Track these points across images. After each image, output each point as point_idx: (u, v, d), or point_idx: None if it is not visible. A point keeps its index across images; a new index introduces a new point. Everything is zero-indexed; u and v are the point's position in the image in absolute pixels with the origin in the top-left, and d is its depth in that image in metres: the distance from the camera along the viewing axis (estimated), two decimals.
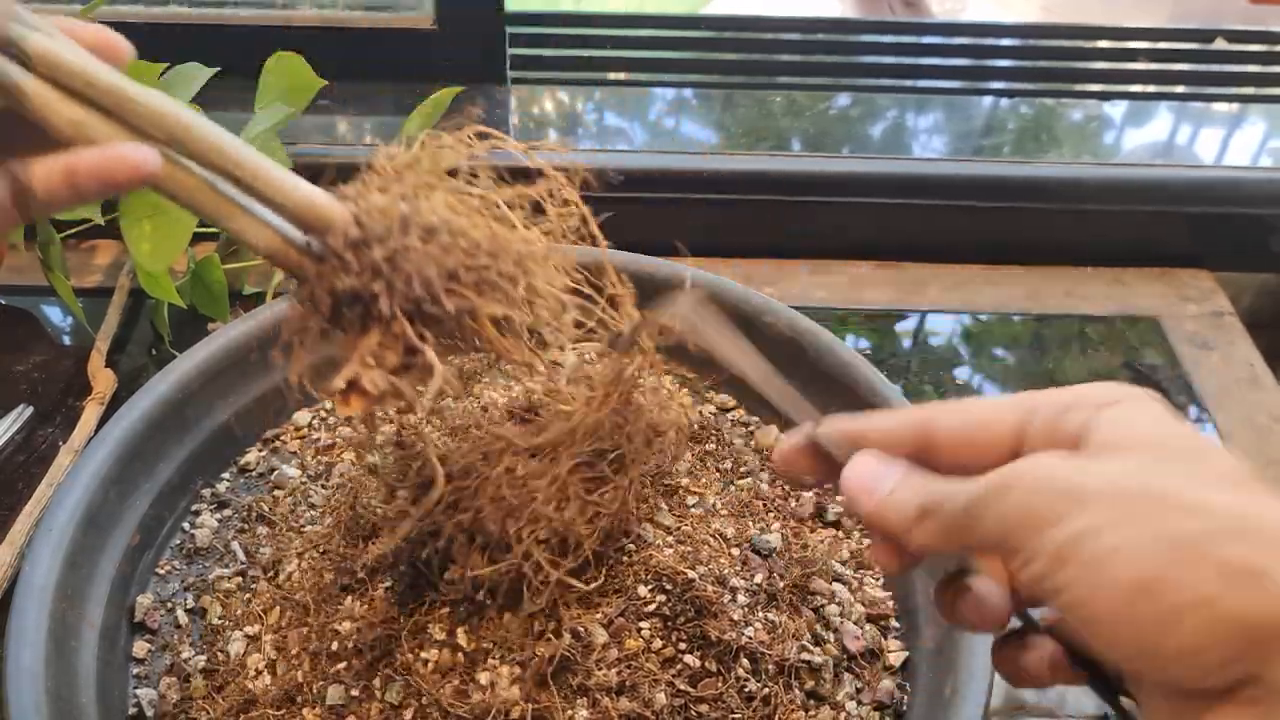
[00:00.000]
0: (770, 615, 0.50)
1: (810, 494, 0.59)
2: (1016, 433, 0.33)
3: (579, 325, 0.43)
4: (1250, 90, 1.04)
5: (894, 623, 0.54)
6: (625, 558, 0.49)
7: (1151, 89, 1.05)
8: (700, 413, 0.63)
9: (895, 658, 0.52)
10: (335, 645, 0.48)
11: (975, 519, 0.31)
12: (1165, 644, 0.28)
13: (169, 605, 0.55)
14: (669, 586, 0.49)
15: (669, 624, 0.48)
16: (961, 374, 0.80)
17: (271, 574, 0.54)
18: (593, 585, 0.47)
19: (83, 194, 0.38)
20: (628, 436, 0.48)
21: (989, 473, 0.31)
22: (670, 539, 0.51)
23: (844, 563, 0.55)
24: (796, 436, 0.37)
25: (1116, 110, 1.00)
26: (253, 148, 0.38)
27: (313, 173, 0.40)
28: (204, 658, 0.51)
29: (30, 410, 0.70)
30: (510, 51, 0.95)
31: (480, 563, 0.45)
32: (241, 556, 0.56)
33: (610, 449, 0.48)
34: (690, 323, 0.41)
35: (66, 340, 0.79)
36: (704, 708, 0.46)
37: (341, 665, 0.47)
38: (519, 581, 0.46)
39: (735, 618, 0.49)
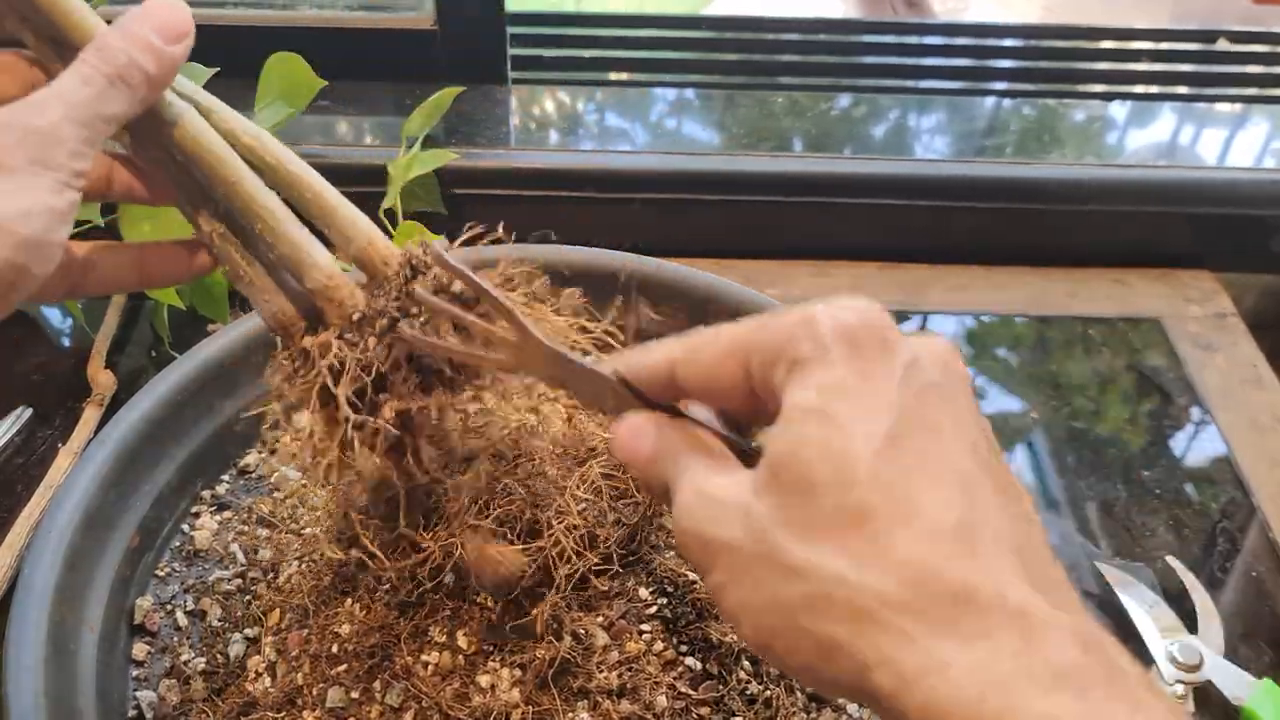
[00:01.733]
0: None
1: None
2: (743, 379, 0.33)
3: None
4: (1253, 91, 1.04)
5: None
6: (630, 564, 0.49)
7: (1154, 90, 1.04)
8: None
9: None
10: (335, 648, 0.48)
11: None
12: (801, 682, 0.32)
13: (169, 607, 0.54)
14: (670, 589, 0.49)
15: (670, 626, 0.48)
16: None
17: (271, 576, 0.54)
18: (606, 587, 0.47)
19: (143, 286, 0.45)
20: None
21: (681, 491, 0.33)
22: (672, 542, 0.51)
23: None
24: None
25: (1119, 111, 1.00)
26: (323, 180, 0.41)
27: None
28: (204, 660, 0.51)
29: (29, 412, 0.70)
30: (511, 52, 0.95)
31: (507, 549, 0.46)
32: (241, 559, 0.56)
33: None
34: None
35: (66, 342, 0.79)
36: (705, 710, 0.46)
37: (342, 668, 0.47)
38: (532, 577, 0.46)
39: None
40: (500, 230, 0.43)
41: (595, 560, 0.47)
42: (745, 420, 0.35)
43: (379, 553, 0.44)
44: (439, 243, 0.40)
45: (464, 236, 0.43)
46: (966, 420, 0.30)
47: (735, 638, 0.48)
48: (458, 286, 0.39)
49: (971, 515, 0.28)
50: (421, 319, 0.39)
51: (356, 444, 0.39)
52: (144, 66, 0.37)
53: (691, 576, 0.49)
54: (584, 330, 0.43)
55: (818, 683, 0.30)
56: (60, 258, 0.37)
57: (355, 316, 0.40)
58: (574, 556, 0.46)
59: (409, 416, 0.40)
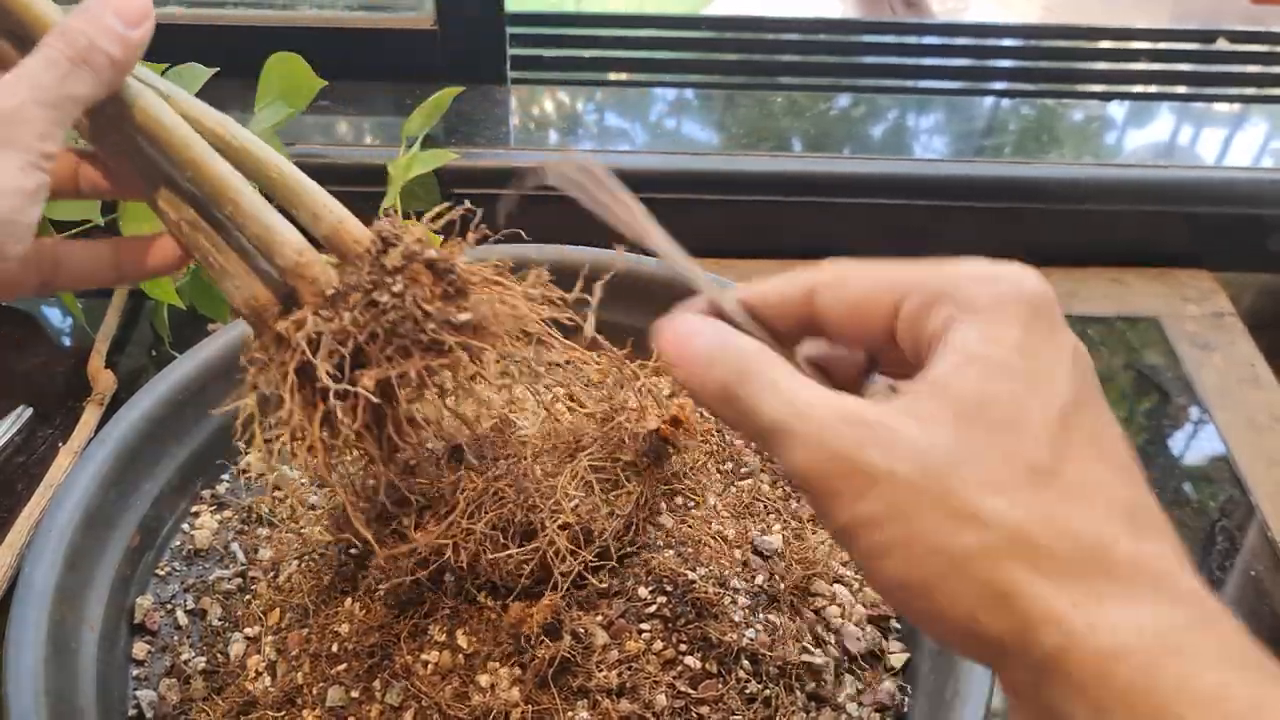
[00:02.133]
0: (771, 617, 0.50)
1: None
2: (890, 314, 0.32)
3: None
4: (1251, 91, 1.04)
5: (895, 624, 0.53)
6: (627, 559, 0.49)
7: (1153, 89, 1.05)
8: (701, 414, 0.63)
9: (896, 659, 0.52)
10: (335, 647, 0.48)
11: (776, 448, 0.31)
12: (929, 630, 0.30)
13: (169, 607, 0.54)
14: (670, 588, 0.49)
15: (670, 625, 0.48)
16: None
17: (271, 575, 0.54)
18: (603, 584, 0.48)
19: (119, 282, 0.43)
20: (637, 450, 0.50)
21: (792, 402, 0.31)
22: (671, 540, 0.51)
23: (845, 564, 0.55)
24: (699, 304, 0.36)
25: (1118, 111, 1.00)
26: (291, 163, 0.41)
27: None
28: (204, 659, 0.51)
29: (30, 411, 0.70)
30: (510, 52, 0.95)
31: (505, 551, 0.46)
32: (241, 558, 0.56)
33: (622, 456, 0.50)
34: (573, 183, 0.40)
35: (66, 341, 0.79)
36: (705, 709, 0.46)
37: (341, 667, 0.47)
38: (530, 576, 0.46)
39: (736, 619, 0.49)
40: None
41: (591, 556, 0.47)
42: (860, 366, 0.35)
43: (371, 538, 0.44)
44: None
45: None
46: (1113, 416, 0.31)
47: (735, 637, 0.48)
48: (430, 254, 0.39)
49: (1136, 499, 0.29)
50: (396, 289, 0.39)
51: (339, 416, 0.39)
52: (107, 50, 0.38)
53: (691, 576, 0.49)
54: (552, 304, 0.43)
55: (967, 634, 0.29)
56: (30, 239, 0.38)
57: (329, 293, 0.40)
58: (569, 556, 0.46)
59: (389, 385, 0.40)
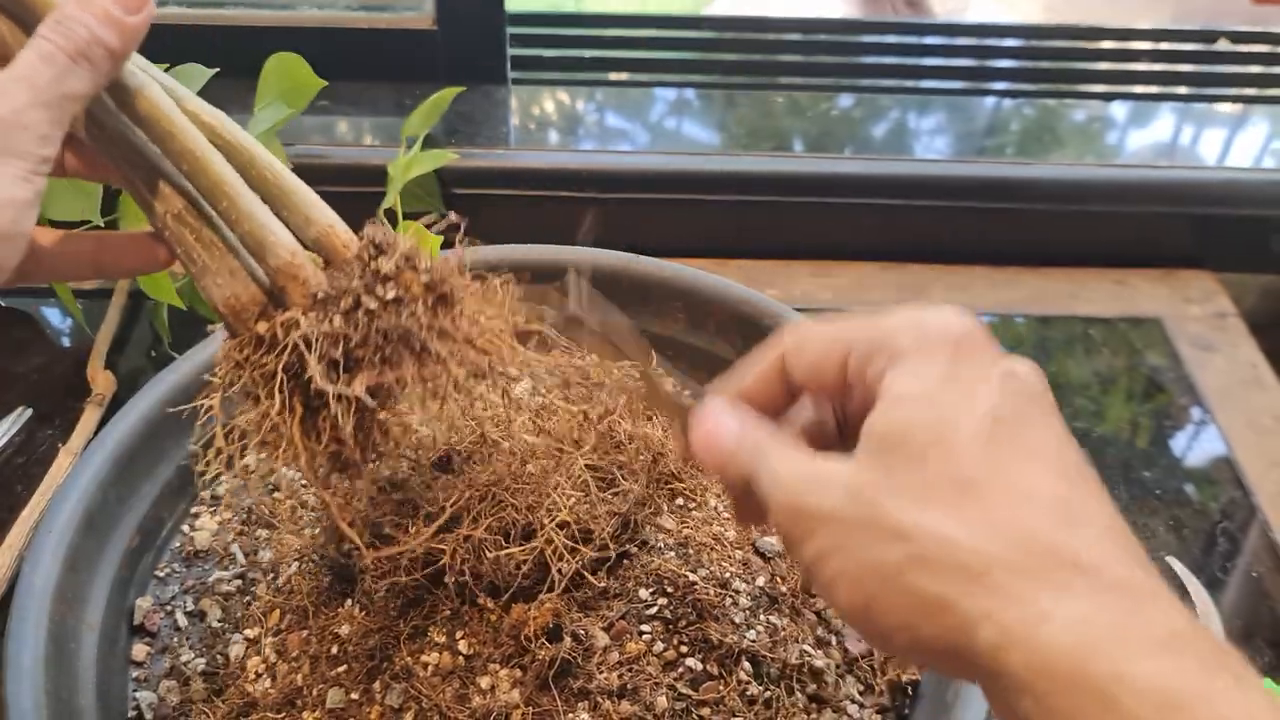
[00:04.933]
0: (772, 618, 0.50)
1: None
2: (842, 370, 0.35)
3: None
4: (1253, 91, 1.04)
5: None
6: (627, 560, 0.49)
7: (1154, 89, 1.04)
8: None
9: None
10: (335, 649, 0.48)
11: (767, 510, 0.34)
12: (890, 649, 0.33)
13: (168, 608, 0.54)
14: (670, 589, 0.49)
15: (670, 627, 0.48)
16: None
17: (271, 577, 0.54)
18: (602, 585, 0.48)
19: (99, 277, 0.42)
20: (633, 450, 0.50)
21: (772, 475, 0.34)
22: (671, 542, 0.51)
23: None
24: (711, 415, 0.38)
25: (1119, 111, 1.00)
26: (283, 165, 0.41)
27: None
28: (204, 660, 0.51)
29: (29, 412, 0.70)
30: (511, 52, 0.95)
31: (506, 549, 0.46)
32: (241, 559, 0.56)
33: (618, 456, 0.50)
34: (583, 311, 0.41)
35: (66, 342, 0.79)
36: (706, 711, 0.46)
37: (342, 669, 0.47)
38: (530, 576, 0.46)
39: (737, 621, 0.49)
40: None
41: (591, 553, 0.47)
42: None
43: (359, 540, 0.43)
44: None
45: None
46: (1058, 426, 0.32)
47: (736, 638, 0.48)
48: (423, 265, 0.40)
49: (1070, 494, 0.30)
50: (388, 296, 0.39)
51: (333, 418, 0.39)
52: (105, 40, 0.36)
53: (692, 577, 0.49)
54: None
55: (913, 643, 0.30)
56: (26, 247, 0.37)
57: (319, 295, 0.39)
58: (567, 554, 0.46)
59: (379, 390, 0.39)
